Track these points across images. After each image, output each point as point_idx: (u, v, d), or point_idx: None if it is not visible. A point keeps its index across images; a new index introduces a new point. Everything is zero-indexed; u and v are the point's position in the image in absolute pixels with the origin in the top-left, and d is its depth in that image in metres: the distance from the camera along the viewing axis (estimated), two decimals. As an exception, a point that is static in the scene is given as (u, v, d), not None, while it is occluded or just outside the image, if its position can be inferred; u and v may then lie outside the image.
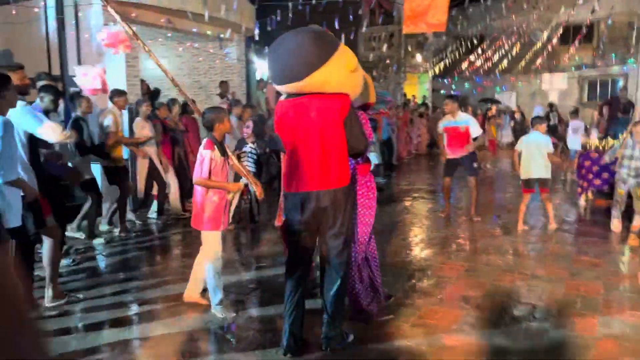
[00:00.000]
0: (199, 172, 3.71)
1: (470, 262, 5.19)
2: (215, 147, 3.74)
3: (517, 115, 19.14)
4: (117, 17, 2.72)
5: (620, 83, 21.59)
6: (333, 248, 3.22)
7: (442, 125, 7.07)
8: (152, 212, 7.15)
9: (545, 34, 19.46)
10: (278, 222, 3.53)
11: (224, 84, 9.97)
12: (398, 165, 12.74)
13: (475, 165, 7.01)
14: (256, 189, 3.95)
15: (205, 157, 3.69)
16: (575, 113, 11.35)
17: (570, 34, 22.44)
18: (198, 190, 3.81)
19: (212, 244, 3.87)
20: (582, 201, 7.72)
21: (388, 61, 19.99)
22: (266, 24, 10.22)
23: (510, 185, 9.56)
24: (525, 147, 6.30)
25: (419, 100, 19.78)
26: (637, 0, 8.92)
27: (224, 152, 3.82)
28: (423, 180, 10.89)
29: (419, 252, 5.60)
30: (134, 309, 4.10)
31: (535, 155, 6.19)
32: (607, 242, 5.79)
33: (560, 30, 22.52)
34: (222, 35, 9.80)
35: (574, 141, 9.03)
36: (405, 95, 20.06)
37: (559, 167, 6.71)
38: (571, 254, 5.42)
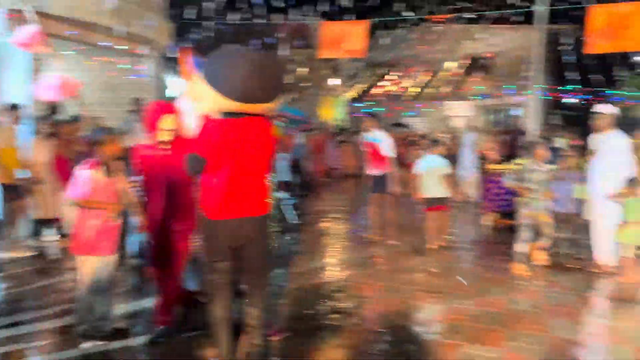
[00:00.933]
0: (72, 191, 3.57)
1: (388, 281, 5.34)
2: (101, 167, 3.61)
3: (444, 139, 20.12)
4: (34, 17, 2.54)
5: (517, 112, 23.51)
6: (256, 270, 3.19)
7: (363, 140, 7.29)
8: (50, 235, 6.63)
9: (451, 65, 20.81)
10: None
11: (136, 101, 9.62)
12: (313, 186, 12.90)
13: (390, 184, 7.14)
14: (140, 220, 3.79)
15: (82, 177, 3.55)
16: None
17: (473, 65, 24.22)
18: (75, 210, 3.63)
19: (85, 270, 3.64)
20: (486, 221, 8.24)
21: (306, 84, 20.36)
22: (183, 42, 10.06)
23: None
24: (425, 169, 6.70)
25: (335, 123, 20.26)
26: (529, 37, 10.00)
27: (111, 174, 3.69)
28: (339, 200, 11.09)
29: (338, 273, 5.68)
30: (22, 341, 3.78)
31: (434, 176, 6.62)
32: (511, 259, 6.17)
33: (465, 62, 24.21)
34: (136, 51, 9.49)
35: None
36: (321, 118, 20.48)
37: (454, 191, 7.02)
38: (479, 272, 5.75)
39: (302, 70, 20.21)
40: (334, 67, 22.48)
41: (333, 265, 5.97)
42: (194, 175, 3.09)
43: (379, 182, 7.04)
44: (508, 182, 6.01)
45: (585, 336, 4.05)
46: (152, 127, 3.62)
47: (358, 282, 5.28)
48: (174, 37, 10.88)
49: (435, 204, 6.70)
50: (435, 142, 7.39)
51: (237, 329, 3.25)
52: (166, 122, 3.59)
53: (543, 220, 5.72)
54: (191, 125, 3.71)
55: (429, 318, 4.32)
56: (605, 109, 5.85)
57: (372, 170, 7.08)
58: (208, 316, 3.20)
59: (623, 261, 5.46)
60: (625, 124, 6.57)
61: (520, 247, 5.74)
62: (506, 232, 7.36)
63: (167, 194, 3.65)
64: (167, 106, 3.66)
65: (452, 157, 14.43)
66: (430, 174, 6.64)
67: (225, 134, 2.98)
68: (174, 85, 14.26)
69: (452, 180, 6.94)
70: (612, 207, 5.59)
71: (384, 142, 6.97)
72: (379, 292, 4.99)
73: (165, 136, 3.61)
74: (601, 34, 7.53)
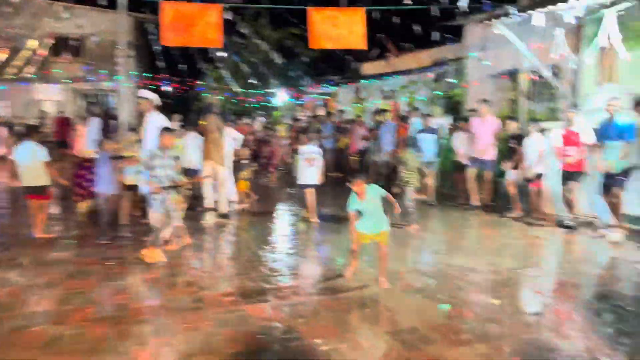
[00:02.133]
0: None
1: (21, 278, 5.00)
2: None
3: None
4: None
5: (112, 97, 23.51)
6: None
7: None
8: None
9: (33, 43, 18.97)
10: None
11: None
12: None
13: None
14: None
15: None
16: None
17: (62, 46, 22.76)
18: None
19: None
20: (82, 207, 8.10)
21: None
22: None
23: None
24: (20, 155, 6.45)
25: None
26: (118, 21, 9.96)
27: None
28: None
29: None
30: None
31: (31, 163, 6.40)
32: (110, 246, 6.31)
33: (51, 42, 22.49)
34: None
35: None
36: None
37: (55, 179, 6.80)
38: (70, 259, 5.76)
39: None
40: None
41: None
42: None
43: None
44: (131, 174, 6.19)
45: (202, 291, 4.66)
46: None
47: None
48: None
49: (35, 192, 6.51)
50: (33, 127, 7.06)
51: None
52: None
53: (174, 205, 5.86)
54: None
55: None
56: (147, 94, 6.87)
57: None
58: None
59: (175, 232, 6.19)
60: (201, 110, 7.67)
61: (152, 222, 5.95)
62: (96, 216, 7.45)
63: None
64: None
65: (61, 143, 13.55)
66: (25, 160, 6.40)
67: None
68: None
69: (53, 167, 6.71)
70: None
71: None
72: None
73: None
74: (172, 28, 8.37)
